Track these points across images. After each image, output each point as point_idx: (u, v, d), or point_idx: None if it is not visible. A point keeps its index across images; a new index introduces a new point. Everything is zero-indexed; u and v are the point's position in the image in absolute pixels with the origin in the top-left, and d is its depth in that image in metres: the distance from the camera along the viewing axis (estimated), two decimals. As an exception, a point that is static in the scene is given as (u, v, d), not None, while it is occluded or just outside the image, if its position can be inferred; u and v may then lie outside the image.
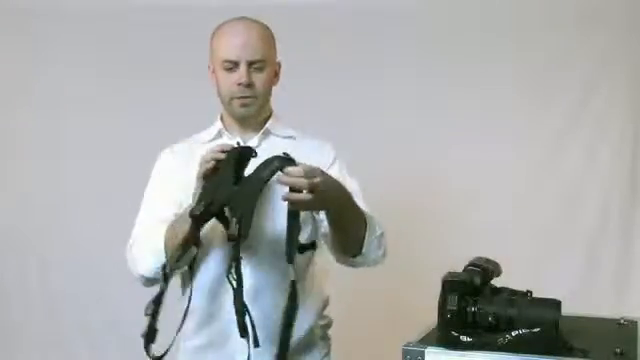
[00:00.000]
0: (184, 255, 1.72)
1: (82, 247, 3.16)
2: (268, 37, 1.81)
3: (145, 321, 1.63)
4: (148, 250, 1.74)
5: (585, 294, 2.78)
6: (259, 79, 1.78)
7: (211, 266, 1.77)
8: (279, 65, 1.85)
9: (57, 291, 3.20)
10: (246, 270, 1.64)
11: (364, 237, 1.73)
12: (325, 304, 1.91)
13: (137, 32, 3.09)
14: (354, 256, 1.77)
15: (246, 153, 1.62)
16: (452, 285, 1.47)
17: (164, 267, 1.67)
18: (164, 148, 1.94)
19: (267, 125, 1.86)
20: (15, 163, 3.22)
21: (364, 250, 1.74)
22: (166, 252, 1.70)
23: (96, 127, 3.13)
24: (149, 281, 1.77)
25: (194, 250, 1.71)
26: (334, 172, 1.79)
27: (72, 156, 3.17)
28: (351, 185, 1.81)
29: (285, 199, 1.54)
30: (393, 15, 2.97)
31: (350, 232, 1.73)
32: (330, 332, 1.94)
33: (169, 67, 3.05)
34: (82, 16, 3.13)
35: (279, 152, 1.59)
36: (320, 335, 1.89)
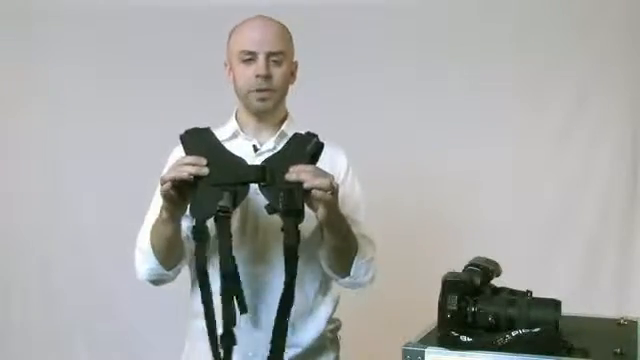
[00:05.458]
0: (174, 254, 1.73)
1: (82, 247, 3.16)
2: (286, 34, 1.80)
3: None
4: (139, 254, 1.76)
5: (585, 294, 2.79)
6: (277, 72, 1.75)
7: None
8: (296, 65, 1.84)
9: (57, 291, 3.20)
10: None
11: (353, 261, 1.75)
12: (336, 305, 1.90)
13: (137, 32, 3.09)
14: (342, 277, 1.80)
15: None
16: (452, 285, 1.48)
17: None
18: (169, 144, 1.87)
19: (283, 127, 1.83)
20: (15, 163, 3.22)
21: (352, 273, 1.77)
22: (154, 253, 1.71)
23: (96, 127, 3.13)
24: (153, 283, 1.79)
25: (183, 247, 1.72)
26: (346, 185, 1.82)
27: (72, 156, 3.17)
28: (358, 199, 1.84)
29: (318, 198, 1.53)
30: (393, 14, 2.97)
31: (341, 253, 1.75)
32: (339, 334, 1.94)
33: (169, 67, 3.06)
34: (82, 16, 3.13)
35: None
36: (330, 338, 1.89)
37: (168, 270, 1.75)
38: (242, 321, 1.71)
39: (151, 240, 1.71)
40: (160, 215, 1.64)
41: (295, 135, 1.63)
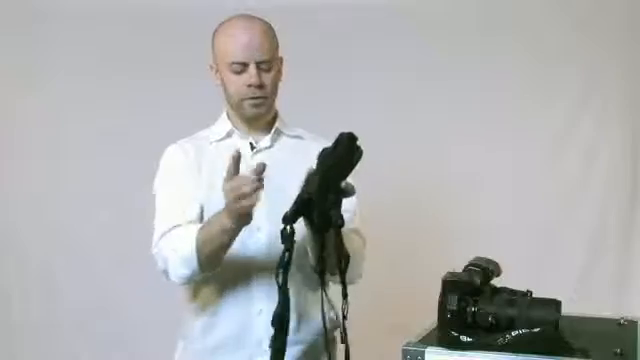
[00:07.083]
0: (221, 261, 1.70)
1: (82, 247, 3.16)
2: (271, 34, 1.81)
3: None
4: (176, 257, 1.71)
5: (585, 294, 2.79)
6: (268, 79, 1.77)
7: (230, 266, 1.74)
8: (281, 60, 1.85)
9: (57, 291, 3.20)
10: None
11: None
12: (331, 305, 1.90)
13: (137, 32, 3.09)
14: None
15: None
16: (452, 285, 1.48)
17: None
18: (169, 144, 1.89)
19: (277, 125, 1.85)
20: (15, 163, 3.22)
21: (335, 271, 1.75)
22: (198, 258, 1.67)
23: (96, 127, 3.13)
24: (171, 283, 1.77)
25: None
26: None
27: (72, 156, 3.17)
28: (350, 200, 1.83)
29: None
30: (393, 14, 2.97)
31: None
32: (335, 334, 1.93)
33: (169, 67, 3.05)
34: (82, 16, 3.13)
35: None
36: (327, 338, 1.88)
37: (203, 274, 1.72)
38: (243, 328, 1.72)
39: (203, 248, 1.66)
40: (225, 225, 1.60)
41: (343, 136, 1.56)
